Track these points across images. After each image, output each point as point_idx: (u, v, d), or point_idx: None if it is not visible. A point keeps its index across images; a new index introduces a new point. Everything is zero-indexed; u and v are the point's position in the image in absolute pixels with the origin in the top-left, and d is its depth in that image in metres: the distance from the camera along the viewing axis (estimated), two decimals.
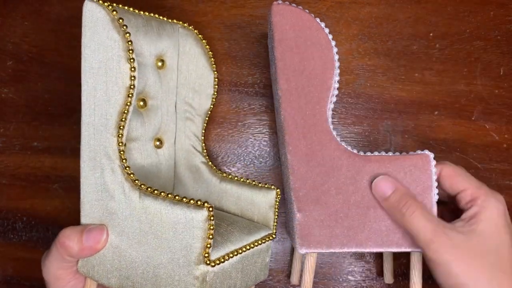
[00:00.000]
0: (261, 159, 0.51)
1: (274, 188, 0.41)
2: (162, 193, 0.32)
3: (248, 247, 0.36)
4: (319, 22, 0.39)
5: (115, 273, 0.35)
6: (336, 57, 0.39)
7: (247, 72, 0.51)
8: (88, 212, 0.35)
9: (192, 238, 0.31)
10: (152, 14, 0.39)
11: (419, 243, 0.36)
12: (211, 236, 0.31)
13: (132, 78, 0.32)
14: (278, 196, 0.41)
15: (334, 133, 0.40)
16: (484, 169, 0.52)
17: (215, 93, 0.45)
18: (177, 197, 0.32)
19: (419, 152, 0.40)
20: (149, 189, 0.33)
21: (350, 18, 0.51)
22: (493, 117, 0.52)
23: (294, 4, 0.39)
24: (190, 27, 0.43)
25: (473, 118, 0.52)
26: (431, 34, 0.52)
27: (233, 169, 0.50)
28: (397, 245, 0.39)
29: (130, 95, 0.32)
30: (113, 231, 0.34)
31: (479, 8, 0.52)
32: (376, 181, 0.38)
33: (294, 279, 0.47)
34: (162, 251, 0.32)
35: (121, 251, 0.34)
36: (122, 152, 0.33)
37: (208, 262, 0.31)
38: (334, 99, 0.40)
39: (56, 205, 0.50)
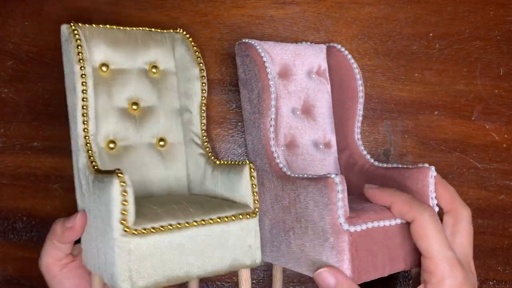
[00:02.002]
0: None
1: (245, 163, 0.39)
2: (107, 172, 0.35)
3: (199, 223, 0.35)
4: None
5: (87, 254, 0.39)
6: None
7: None
8: (78, 202, 0.41)
9: (112, 205, 0.33)
10: (141, 28, 0.45)
11: None
12: (125, 203, 0.32)
13: (83, 75, 0.39)
14: (252, 170, 0.39)
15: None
16: (484, 169, 0.52)
17: (205, 90, 0.45)
18: (109, 170, 0.35)
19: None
20: (100, 170, 0.37)
21: (350, 18, 0.51)
22: (493, 117, 0.52)
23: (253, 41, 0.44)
24: (184, 33, 0.46)
25: (473, 118, 0.52)
26: (431, 34, 0.52)
27: None
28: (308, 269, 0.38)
29: (84, 91, 0.39)
30: (88, 214, 0.38)
31: (479, 8, 0.52)
32: (319, 271, 0.36)
33: None
34: (101, 223, 0.35)
35: (87, 231, 0.38)
36: (88, 145, 0.39)
37: (126, 229, 0.32)
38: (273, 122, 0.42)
39: (56, 205, 0.50)
